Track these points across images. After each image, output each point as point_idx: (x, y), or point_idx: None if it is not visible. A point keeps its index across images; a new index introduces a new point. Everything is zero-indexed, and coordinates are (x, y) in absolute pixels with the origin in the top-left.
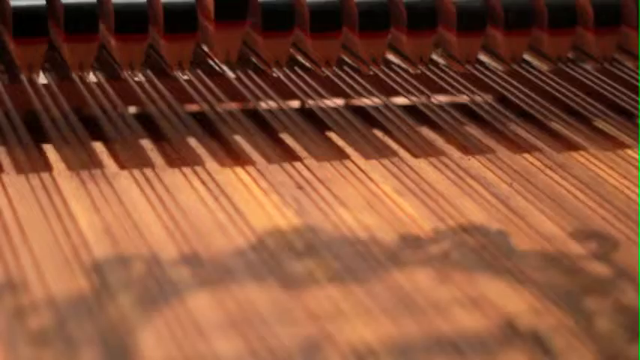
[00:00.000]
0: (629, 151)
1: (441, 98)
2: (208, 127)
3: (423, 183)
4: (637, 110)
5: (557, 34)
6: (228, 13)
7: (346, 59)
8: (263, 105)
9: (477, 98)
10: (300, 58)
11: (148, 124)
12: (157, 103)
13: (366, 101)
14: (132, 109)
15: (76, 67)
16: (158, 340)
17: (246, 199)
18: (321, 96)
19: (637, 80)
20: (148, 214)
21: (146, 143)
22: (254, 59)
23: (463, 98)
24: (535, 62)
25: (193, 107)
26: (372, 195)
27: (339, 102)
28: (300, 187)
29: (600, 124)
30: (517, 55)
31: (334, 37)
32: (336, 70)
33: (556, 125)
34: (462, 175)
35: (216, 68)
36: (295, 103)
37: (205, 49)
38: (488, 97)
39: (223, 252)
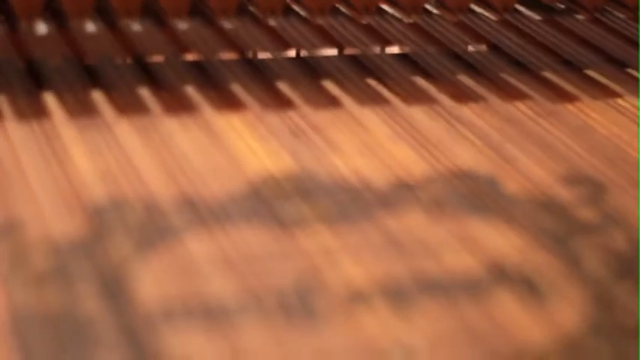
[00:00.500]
0: (620, 100)
1: (435, 47)
2: (205, 76)
3: (415, 130)
4: (629, 60)
5: None
6: None
7: (341, 9)
8: (259, 54)
9: (470, 47)
10: (296, 8)
11: (146, 73)
12: (154, 52)
13: (360, 50)
14: (130, 58)
15: (75, 16)
16: (155, 279)
17: (241, 145)
18: (316, 45)
19: (631, 31)
20: (146, 160)
21: (144, 91)
22: (251, 8)
23: (456, 47)
24: (528, 12)
25: (190, 56)
26: (365, 141)
27: (333, 51)
28: (295, 134)
29: (591, 73)
30: (508, 4)
31: None
32: (331, 20)
33: (548, 74)
34: (453, 123)
35: (213, 17)
36: (291, 53)
37: None
38: (482, 47)
39: (219, 196)
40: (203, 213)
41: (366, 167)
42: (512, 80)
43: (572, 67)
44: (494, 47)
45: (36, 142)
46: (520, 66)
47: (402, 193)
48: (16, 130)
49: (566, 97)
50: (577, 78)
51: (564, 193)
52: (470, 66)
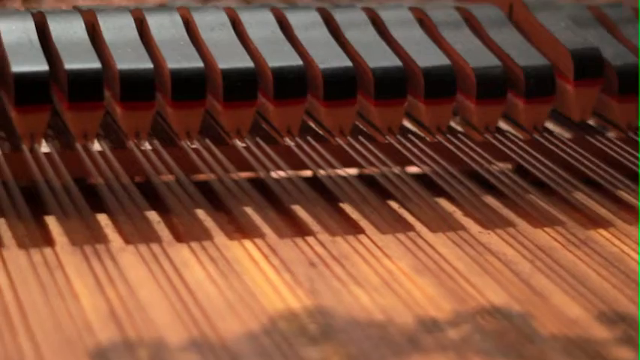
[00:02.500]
0: None
1: (458, 168)
2: (216, 199)
3: (440, 260)
4: None
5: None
6: (238, 95)
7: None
8: (273, 175)
9: (495, 168)
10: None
11: (154, 196)
12: (162, 174)
13: (379, 171)
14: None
15: (80, 137)
16: None
17: (257, 277)
18: (333, 166)
19: None
20: (155, 294)
21: (152, 215)
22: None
23: (481, 167)
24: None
25: (201, 177)
26: (388, 273)
27: (351, 172)
28: (313, 264)
29: (624, 195)
30: (538, 123)
31: (349, 105)
32: (350, 139)
33: (578, 196)
34: (480, 251)
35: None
36: (307, 173)
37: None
38: (507, 167)
39: (234, 336)
40: (217, 355)
41: (390, 303)
42: (541, 203)
43: (603, 189)
44: (520, 168)
45: (36, 273)
46: (549, 188)
47: (427, 332)
48: (16, 259)
49: (598, 222)
50: (609, 201)
51: (600, 332)
52: (495, 188)
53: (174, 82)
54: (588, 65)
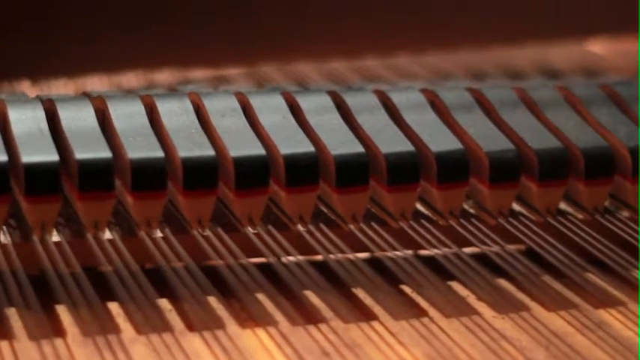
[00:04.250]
0: None
1: (470, 251)
2: (227, 287)
3: (454, 348)
4: None
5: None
6: (249, 182)
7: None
8: (283, 261)
9: (508, 251)
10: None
11: (165, 284)
12: (173, 262)
13: (391, 255)
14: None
15: (91, 226)
16: None
17: None
18: (344, 251)
19: None
20: None
21: (164, 304)
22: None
23: (493, 251)
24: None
25: (212, 264)
26: None
27: (362, 256)
28: (326, 354)
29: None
30: (552, 206)
31: (362, 192)
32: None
33: (590, 278)
34: (495, 338)
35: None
36: (317, 259)
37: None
38: (519, 249)
39: None
40: None
41: None
42: (554, 287)
43: (615, 272)
44: (531, 250)
45: None
46: (561, 272)
47: None
48: (27, 352)
49: (611, 305)
50: (622, 283)
51: None
52: (508, 272)
53: (186, 172)
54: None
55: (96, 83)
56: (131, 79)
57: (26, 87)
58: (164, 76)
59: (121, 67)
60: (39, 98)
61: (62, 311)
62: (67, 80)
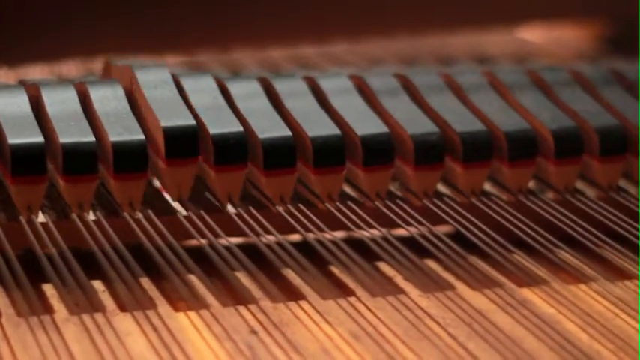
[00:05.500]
0: (628, 282)
1: (398, 233)
2: (159, 269)
3: (380, 325)
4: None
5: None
6: (228, 159)
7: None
8: (215, 244)
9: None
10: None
11: (96, 266)
12: (105, 244)
13: (320, 237)
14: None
15: (24, 209)
16: None
17: (199, 346)
18: (272, 233)
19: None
20: None
21: (97, 285)
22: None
23: (420, 233)
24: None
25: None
26: (327, 339)
27: (290, 238)
28: (253, 332)
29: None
30: (476, 188)
31: (289, 174)
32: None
33: (515, 260)
34: (474, 317)
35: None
36: (245, 240)
37: None
38: (446, 232)
39: None
40: None
41: None
42: (480, 266)
43: (537, 252)
44: (457, 232)
45: (36, 341)
46: (485, 252)
47: None
48: (14, 329)
49: (534, 283)
50: (545, 262)
51: None
52: (434, 253)
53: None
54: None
55: (70, 69)
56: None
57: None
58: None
59: (92, 52)
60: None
61: (49, 289)
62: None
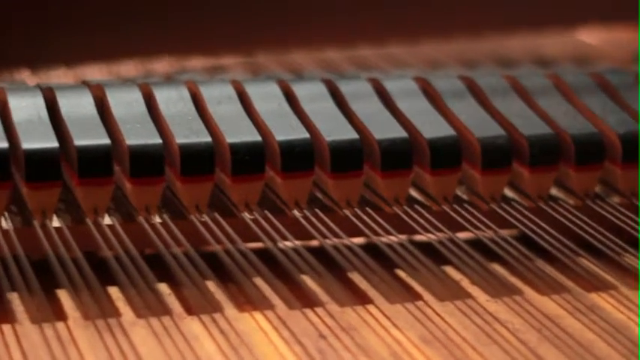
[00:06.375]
0: None
1: (464, 236)
2: (225, 272)
3: (448, 331)
4: None
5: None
6: (245, 168)
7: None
8: (280, 246)
9: (502, 236)
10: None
11: (164, 269)
12: (171, 247)
13: (385, 240)
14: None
15: (91, 212)
16: None
17: (267, 350)
18: (340, 236)
19: None
20: None
21: (163, 288)
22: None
23: (487, 236)
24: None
25: (211, 249)
26: (396, 344)
27: (358, 241)
28: (322, 336)
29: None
30: (543, 192)
31: (356, 177)
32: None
33: (583, 264)
34: (488, 321)
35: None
36: (314, 244)
37: None
38: (512, 235)
39: None
40: None
41: None
42: (546, 271)
43: (605, 256)
44: (524, 235)
45: (49, 348)
46: (553, 256)
47: None
48: (28, 335)
49: (603, 289)
50: (613, 267)
51: None
52: (501, 257)
53: (183, 159)
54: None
55: (95, 72)
56: (129, 68)
57: (26, 76)
58: (161, 66)
59: (119, 56)
60: (39, 86)
61: (63, 295)
62: (66, 69)
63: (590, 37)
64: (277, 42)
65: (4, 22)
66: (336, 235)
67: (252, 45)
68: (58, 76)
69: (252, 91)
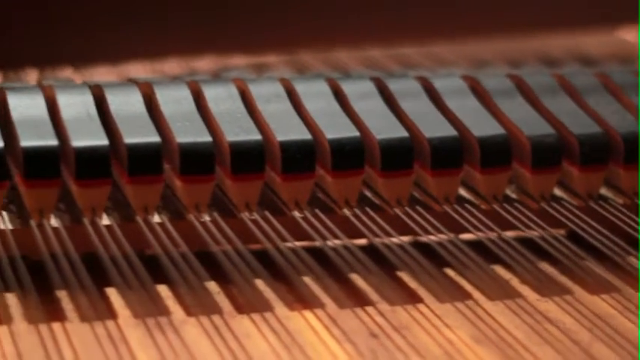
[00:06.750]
0: None
1: (514, 234)
2: (276, 270)
3: (499, 330)
4: None
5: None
6: (296, 166)
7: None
8: (330, 244)
9: (552, 234)
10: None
11: (213, 267)
12: (221, 244)
13: (435, 238)
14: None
15: (141, 210)
16: None
17: (319, 349)
18: (390, 234)
19: None
20: None
21: (212, 286)
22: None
23: (536, 234)
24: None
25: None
26: (448, 343)
27: (407, 240)
28: (374, 335)
29: None
30: (593, 190)
31: (406, 176)
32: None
33: (633, 263)
34: (539, 320)
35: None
36: (363, 242)
37: None
38: (562, 234)
39: None
40: None
41: None
42: (597, 270)
43: None
44: (573, 234)
45: (101, 346)
46: (602, 254)
47: None
48: (79, 333)
49: None
50: None
51: None
52: (550, 255)
53: (234, 157)
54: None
55: (139, 70)
56: (173, 66)
57: (69, 73)
58: (205, 63)
59: (163, 54)
60: (86, 84)
61: (112, 293)
62: (110, 67)
63: (632, 35)
64: (320, 40)
65: (51, 19)
66: (387, 234)
67: (296, 43)
68: (101, 74)
69: (301, 89)
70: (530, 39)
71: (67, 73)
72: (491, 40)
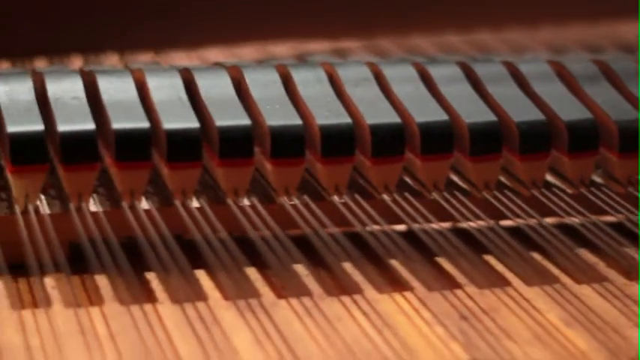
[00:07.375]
0: None
1: (603, 219)
2: (367, 252)
3: (589, 312)
4: None
5: None
6: (386, 150)
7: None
8: (417, 227)
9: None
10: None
11: (302, 249)
12: (312, 226)
13: (522, 222)
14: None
15: (231, 192)
16: None
17: (411, 331)
18: (480, 217)
19: None
20: (312, 349)
21: (300, 269)
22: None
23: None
24: None
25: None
26: (538, 326)
27: (499, 223)
28: (464, 318)
29: None
30: None
31: (494, 160)
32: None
33: None
34: (628, 303)
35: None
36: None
37: None
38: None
39: None
40: None
41: (544, 357)
42: None
43: None
44: None
45: (193, 328)
46: None
47: None
48: (172, 315)
49: None
50: None
51: None
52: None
53: (325, 140)
54: None
55: (218, 55)
56: (251, 51)
57: (147, 58)
58: (283, 49)
59: (239, 40)
60: (175, 68)
61: (152, 277)
62: (188, 52)
63: None
64: (398, 26)
65: (132, 4)
66: (477, 217)
67: (374, 28)
68: (180, 58)
69: (389, 73)
70: (574, 27)
71: (148, 57)
72: (534, 27)
